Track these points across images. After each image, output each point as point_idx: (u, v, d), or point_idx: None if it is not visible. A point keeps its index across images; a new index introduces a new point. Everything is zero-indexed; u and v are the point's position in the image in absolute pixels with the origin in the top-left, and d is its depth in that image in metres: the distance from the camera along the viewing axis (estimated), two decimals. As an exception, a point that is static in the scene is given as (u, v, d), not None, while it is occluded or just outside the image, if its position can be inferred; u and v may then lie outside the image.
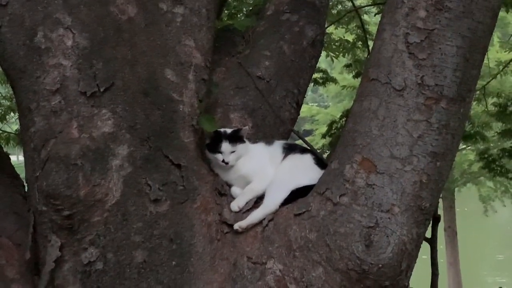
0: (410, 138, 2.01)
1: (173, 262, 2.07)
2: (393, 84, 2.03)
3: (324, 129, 8.21)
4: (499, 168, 7.55)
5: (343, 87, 9.65)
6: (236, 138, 2.28)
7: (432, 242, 2.35)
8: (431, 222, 2.20)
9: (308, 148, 2.48)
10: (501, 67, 8.37)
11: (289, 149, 2.31)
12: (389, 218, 2.00)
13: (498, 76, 8.31)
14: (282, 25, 2.65)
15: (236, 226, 2.15)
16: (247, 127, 2.37)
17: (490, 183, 14.15)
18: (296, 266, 2.06)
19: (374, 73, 2.08)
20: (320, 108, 15.16)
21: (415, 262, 2.11)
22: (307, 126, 14.15)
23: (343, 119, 7.79)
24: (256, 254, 2.10)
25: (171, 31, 2.25)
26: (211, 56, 2.36)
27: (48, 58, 2.11)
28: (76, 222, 2.04)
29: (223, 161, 2.27)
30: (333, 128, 7.57)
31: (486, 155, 7.68)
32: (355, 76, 7.45)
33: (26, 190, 2.36)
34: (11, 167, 2.50)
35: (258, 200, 2.22)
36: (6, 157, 2.53)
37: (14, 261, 2.19)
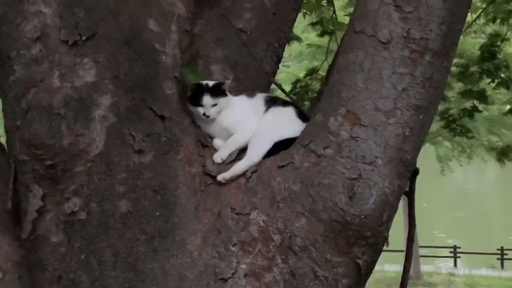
0: (394, 91, 2.03)
1: (157, 213, 2.07)
2: (379, 37, 2.04)
3: (286, 88, 8.23)
4: (459, 128, 7.71)
5: (308, 45, 9.65)
6: (217, 91, 2.26)
7: (411, 195, 2.39)
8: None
9: (290, 101, 2.49)
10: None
11: (271, 102, 2.31)
12: (372, 170, 2.03)
13: (461, 36, 8.41)
14: (263, -23, 2.63)
15: (220, 177, 2.15)
16: (229, 81, 2.35)
17: (447, 143, 14.45)
18: (280, 217, 2.08)
19: (359, 26, 2.09)
20: (282, 67, 15.14)
21: (395, 214, 2.15)
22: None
23: (307, 78, 7.81)
24: (240, 205, 2.12)
25: (153, -20, 2.21)
26: (193, 7, 2.33)
27: (29, 5, 2.05)
28: (59, 172, 2.02)
29: (204, 114, 2.25)
30: (297, 87, 7.59)
31: (446, 115, 7.83)
32: (320, 35, 7.47)
33: (2, 141, 2.32)
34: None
35: (241, 152, 2.22)
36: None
37: (-6, 212, 2.16)
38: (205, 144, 2.25)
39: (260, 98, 2.32)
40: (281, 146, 2.20)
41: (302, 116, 2.29)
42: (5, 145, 2.21)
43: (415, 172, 2.29)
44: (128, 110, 2.08)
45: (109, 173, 2.04)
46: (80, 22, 2.06)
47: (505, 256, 18.73)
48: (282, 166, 2.13)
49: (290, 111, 2.30)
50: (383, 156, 2.04)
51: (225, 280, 2.05)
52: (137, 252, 2.03)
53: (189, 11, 2.29)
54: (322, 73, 7.33)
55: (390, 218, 2.11)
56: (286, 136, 2.21)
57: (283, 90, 2.66)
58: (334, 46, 6.23)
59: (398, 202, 2.14)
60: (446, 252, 18.77)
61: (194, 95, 2.26)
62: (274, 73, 2.63)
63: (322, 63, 7.52)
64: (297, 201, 2.07)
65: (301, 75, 8.02)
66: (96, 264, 2.02)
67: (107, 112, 2.05)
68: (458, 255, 18.45)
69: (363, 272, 2.12)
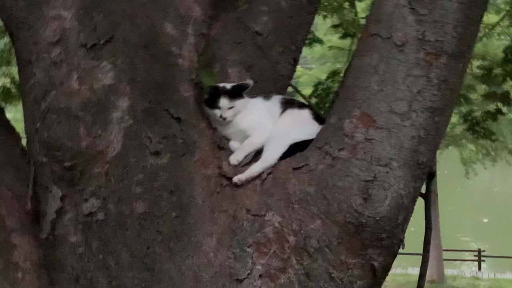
0: (409, 93, 2.04)
1: (173, 214, 2.10)
2: (394, 39, 2.04)
3: (308, 90, 8.23)
4: (482, 130, 7.65)
5: (330, 47, 9.65)
6: (234, 93, 2.28)
7: (427, 197, 2.39)
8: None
9: (306, 103, 2.50)
10: (486, 30, 8.42)
11: (287, 104, 2.32)
12: (387, 172, 2.04)
13: (484, 38, 8.36)
14: (279, -20, 2.64)
15: (235, 179, 2.17)
16: (251, 81, 2.33)
17: (471, 146, 14.35)
18: (295, 218, 2.09)
19: (374, 29, 2.10)
20: (304, 70, 15.13)
21: (411, 216, 2.16)
22: (289, 88, 14.10)
23: (329, 80, 7.80)
24: (255, 207, 2.13)
25: (170, -16, 2.24)
26: (210, 10, 2.35)
27: (48, 9, 2.10)
28: (77, 173, 2.06)
29: (220, 116, 2.27)
30: (319, 89, 7.58)
31: (470, 118, 7.77)
32: (342, 37, 7.46)
33: (22, 143, 2.36)
34: (6, 120, 2.50)
35: (257, 154, 2.24)
36: (1, 110, 2.52)
37: (14, 212, 2.20)
38: (221, 146, 2.27)
39: (276, 100, 2.34)
40: (296, 148, 2.21)
41: (318, 118, 2.30)
42: (26, 146, 2.26)
43: (431, 174, 2.29)
44: (145, 112, 2.10)
45: (126, 175, 2.07)
46: (98, 26, 2.10)
47: (531, 260, 18.51)
48: (298, 168, 2.14)
49: (306, 113, 2.31)
50: (398, 158, 2.04)
51: (240, 281, 2.06)
52: (154, 253, 2.06)
53: (206, 14, 2.31)
54: (344, 75, 7.31)
55: (406, 220, 2.12)
56: (302, 138, 2.22)
57: (299, 93, 2.67)
58: (355, 49, 6.21)
59: (414, 204, 2.14)
60: (470, 255, 18.59)
61: (211, 97, 2.28)
62: (291, 76, 2.64)
63: (345, 66, 7.52)
64: (312, 202, 2.08)
65: (324, 77, 8.00)
66: (113, 264, 2.05)
67: (124, 115, 2.08)
68: (482, 258, 18.27)
69: (378, 274, 2.12)
